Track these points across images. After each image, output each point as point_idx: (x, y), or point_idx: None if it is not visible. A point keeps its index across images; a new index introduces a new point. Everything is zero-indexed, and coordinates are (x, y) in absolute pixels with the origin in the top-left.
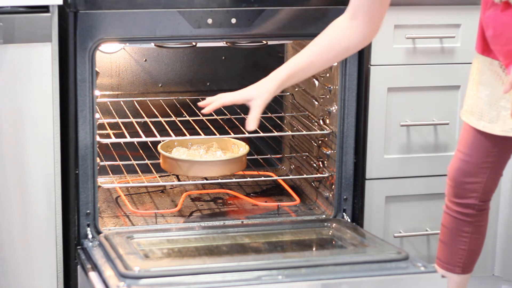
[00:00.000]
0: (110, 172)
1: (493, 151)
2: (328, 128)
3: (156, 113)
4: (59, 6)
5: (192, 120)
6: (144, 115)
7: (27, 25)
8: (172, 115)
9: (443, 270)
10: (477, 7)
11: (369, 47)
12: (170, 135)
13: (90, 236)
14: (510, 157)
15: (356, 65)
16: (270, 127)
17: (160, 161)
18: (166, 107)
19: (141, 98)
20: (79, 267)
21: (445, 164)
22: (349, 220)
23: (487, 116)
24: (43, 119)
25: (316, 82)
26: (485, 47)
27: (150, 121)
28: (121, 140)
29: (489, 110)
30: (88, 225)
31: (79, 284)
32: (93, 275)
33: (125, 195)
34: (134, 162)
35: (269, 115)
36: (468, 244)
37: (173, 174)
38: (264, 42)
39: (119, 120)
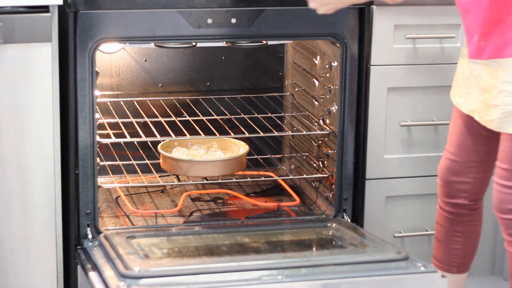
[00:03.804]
0: (110, 172)
1: (479, 150)
2: (328, 128)
3: (156, 113)
4: (59, 6)
5: (192, 120)
6: (144, 115)
7: (27, 25)
8: (172, 115)
9: (439, 270)
10: None
11: (369, 47)
12: (170, 135)
13: (90, 236)
14: (496, 158)
15: (356, 65)
16: (270, 127)
17: (160, 161)
18: (166, 107)
19: (141, 98)
20: (79, 267)
21: None
22: (349, 220)
23: (459, 90)
24: (43, 119)
25: (316, 82)
26: None
27: (150, 121)
28: (121, 140)
29: (462, 84)
30: (88, 225)
31: (79, 284)
32: (93, 275)
33: (125, 195)
34: (134, 162)
35: (269, 115)
36: (462, 244)
37: (173, 174)
38: (264, 42)
39: (119, 120)
